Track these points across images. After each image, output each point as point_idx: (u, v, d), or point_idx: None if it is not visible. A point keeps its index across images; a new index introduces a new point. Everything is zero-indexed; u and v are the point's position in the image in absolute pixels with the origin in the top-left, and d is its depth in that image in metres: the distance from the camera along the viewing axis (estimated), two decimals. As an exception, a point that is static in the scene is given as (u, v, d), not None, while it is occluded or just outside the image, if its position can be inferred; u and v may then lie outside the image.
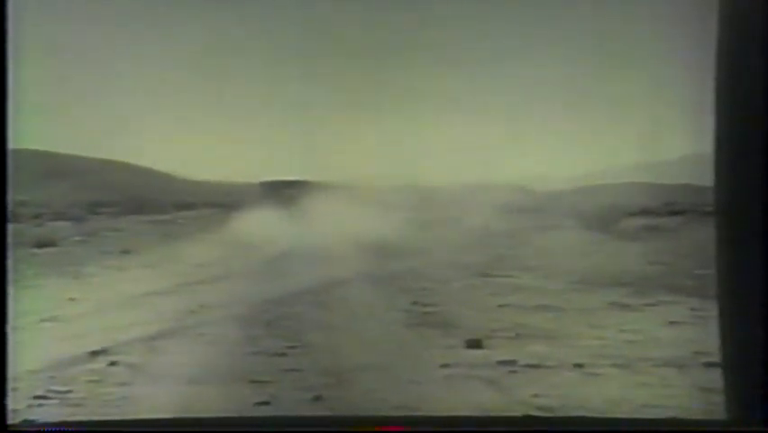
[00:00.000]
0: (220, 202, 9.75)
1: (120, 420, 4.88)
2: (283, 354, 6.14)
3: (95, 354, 6.03)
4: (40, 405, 5.00)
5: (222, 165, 8.86)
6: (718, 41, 4.19)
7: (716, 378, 5.54)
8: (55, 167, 7.98)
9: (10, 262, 4.13)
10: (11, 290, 4.08)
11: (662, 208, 8.69)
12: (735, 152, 4.15)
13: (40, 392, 5.14)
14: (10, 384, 4.04)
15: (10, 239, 4.14)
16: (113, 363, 5.91)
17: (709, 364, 5.72)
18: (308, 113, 8.19)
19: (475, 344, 6.30)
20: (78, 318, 6.68)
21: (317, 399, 5.39)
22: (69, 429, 4.41)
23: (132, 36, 7.43)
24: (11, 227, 4.07)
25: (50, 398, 5.23)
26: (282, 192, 9.54)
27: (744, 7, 4.11)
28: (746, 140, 4.11)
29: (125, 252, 9.07)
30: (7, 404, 4.23)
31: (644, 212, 8.79)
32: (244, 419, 4.88)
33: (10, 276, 4.21)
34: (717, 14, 4.18)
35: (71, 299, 7.10)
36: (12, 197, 4.04)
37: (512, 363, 5.98)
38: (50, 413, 5.00)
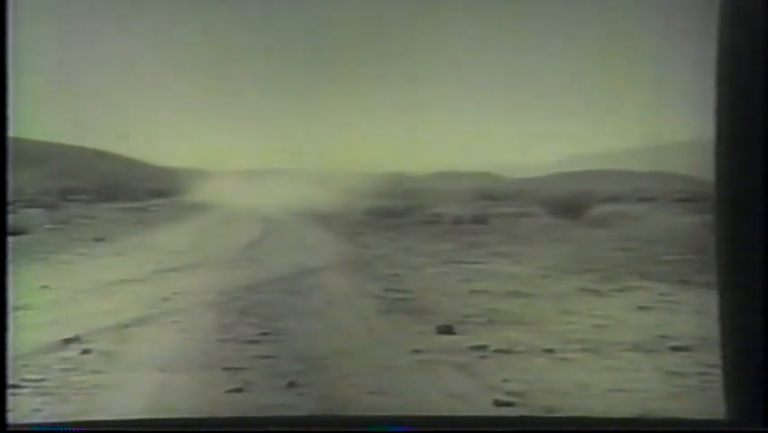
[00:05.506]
0: (194, 189, 9.72)
1: (119, 420, 4.88)
2: (256, 342, 6.17)
3: (68, 341, 6.03)
4: (13, 394, 4.99)
5: (196, 153, 8.85)
6: (719, 34, 4.22)
7: (682, 362, 5.68)
8: (26, 154, 7.91)
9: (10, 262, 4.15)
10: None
11: (631, 195, 8.77)
12: (735, 142, 4.18)
13: (13, 381, 5.12)
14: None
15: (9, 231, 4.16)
16: (86, 351, 5.92)
17: (676, 349, 5.84)
18: (285, 102, 8.18)
19: (446, 329, 6.36)
20: (51, 306, 6.66)
21: (291, 385, 5.44)
22: (69, 429, 4.43)
23: (117, 24, 7.39)
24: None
25: (23, 387, 5.23)
26: (257, 180, 9.53)
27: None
28: (747, 129, 4.13)
29: (98, 239, 9.03)
30: (7, 404, 4.25)
31: (613, 199, 8.88)
32: (242, 419, 4.92)
33: (10, 278, 4.23)
34: (719, 7, 4.22)
35: (44, 287, 7.07)
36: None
37: (483, 348, 6.05)
38: (24, 402, 5.01)
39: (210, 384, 5.44)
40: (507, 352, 5.99)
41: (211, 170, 9.37)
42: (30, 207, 8.81)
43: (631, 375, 5.57)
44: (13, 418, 4.59)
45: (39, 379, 5.41)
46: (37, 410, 5.02)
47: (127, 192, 10.04)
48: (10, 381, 4.78)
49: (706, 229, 4.99)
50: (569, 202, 8.84)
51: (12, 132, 4.60)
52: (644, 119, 6.90)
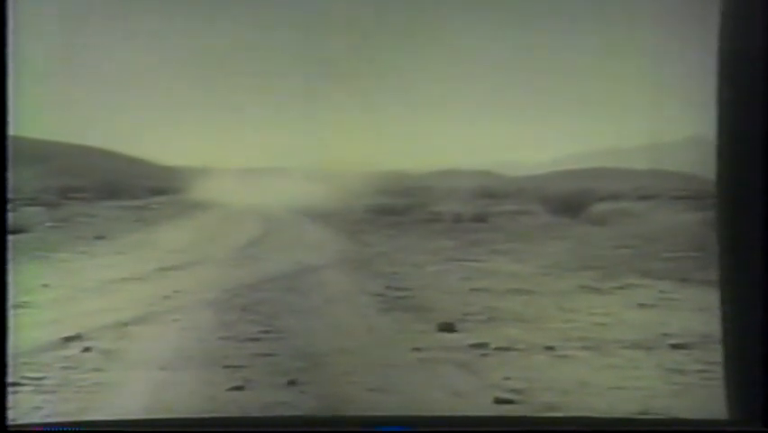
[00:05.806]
0: (194, 187, 9.69)
1: (119, 420, 4.90)
2: (257, 339, 6.18)
3: (68, 339, 6.03)
4: (14, 392, 5.00)
5: (197, 151, 8.83)
6: (719, 34, 4.22)
7: (682, 359, 5.69)
8: (26, 152, 7.89)
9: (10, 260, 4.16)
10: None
11: (632, 193, 8.75)
12: (736, 140, 4.19)
13: (13, 379, 5.13)
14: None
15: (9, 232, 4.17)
16: (86, 349, 5.92)
17: (676, 346, 5.85)
18: (285, 100, 8.17)
19: (447, 327, 6.36)
20: (52, 304, 6.65)
21: (292, 383, 5.46)
22: (69, 429, 4.43)
23: (118, 23, 7.39)
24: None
25: (23, 384, 5.24)
26: (257, 178, 9.52)
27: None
28: (748, 128, 4.14)
29: (99, 237, 9.01)
30: (8, 403, 4.26)
31: (613, 197, 8.86)
32: (243, 419, 4.94)
33: (10, 276, 4.24)
34: (719, 7, 4.23)
35: (44, 285, 7.06)
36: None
37: (484, 346, 6.06)
38: (24, 400, 5.02)
39: (211, 382, 5.46)
40: (508, 349, 6.00)
41: (211, 169, 9.35)
42: (30, 205, 8.79)
43: (631, 373, 5.58)
44: (13, 415, 4.61)
45: (39, 377, 5.42)
46: (37, 408, 5.03)
47: (128, 190, 10.02)
48: (10, 379, 4.80)
49: (706, 227, 5.00)
50: (569, 200, 8.81)
51: (12, 130, 4.61)
52: (644, 117, 6.89)
